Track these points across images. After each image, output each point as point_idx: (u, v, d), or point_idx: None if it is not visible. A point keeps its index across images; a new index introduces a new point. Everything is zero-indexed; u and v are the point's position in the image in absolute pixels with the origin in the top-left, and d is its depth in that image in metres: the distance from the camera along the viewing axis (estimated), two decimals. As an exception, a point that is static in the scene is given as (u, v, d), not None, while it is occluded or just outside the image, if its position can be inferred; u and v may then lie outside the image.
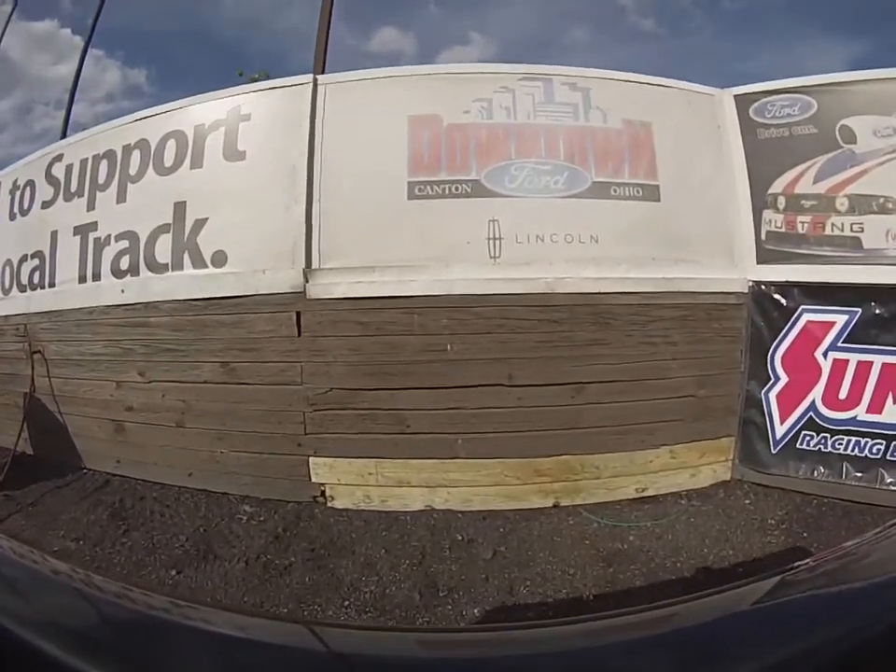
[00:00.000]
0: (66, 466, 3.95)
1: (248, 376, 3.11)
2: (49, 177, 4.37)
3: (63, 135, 5.02)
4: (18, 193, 4.63)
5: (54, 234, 4.24)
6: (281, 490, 3.15)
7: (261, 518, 3.10)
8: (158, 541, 3.03)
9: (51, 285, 4.26)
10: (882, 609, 0.51)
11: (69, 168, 4.24)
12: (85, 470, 3.97)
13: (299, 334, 2.96)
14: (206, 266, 3.20)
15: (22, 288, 4.51)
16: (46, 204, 4.36)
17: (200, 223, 3.25)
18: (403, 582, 2.41)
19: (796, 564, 0.69)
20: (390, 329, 2.92)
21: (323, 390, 2.96)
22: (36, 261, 4.38)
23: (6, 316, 4.56)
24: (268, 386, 3.07)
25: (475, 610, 2.18)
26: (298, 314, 2.95)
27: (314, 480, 3.09)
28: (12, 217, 4.65)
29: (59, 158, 4.37)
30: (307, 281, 2.93)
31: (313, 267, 2.94)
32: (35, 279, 4.40)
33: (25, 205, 4.55)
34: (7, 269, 4.65)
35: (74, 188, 4.18)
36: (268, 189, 3.09)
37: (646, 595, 2.29)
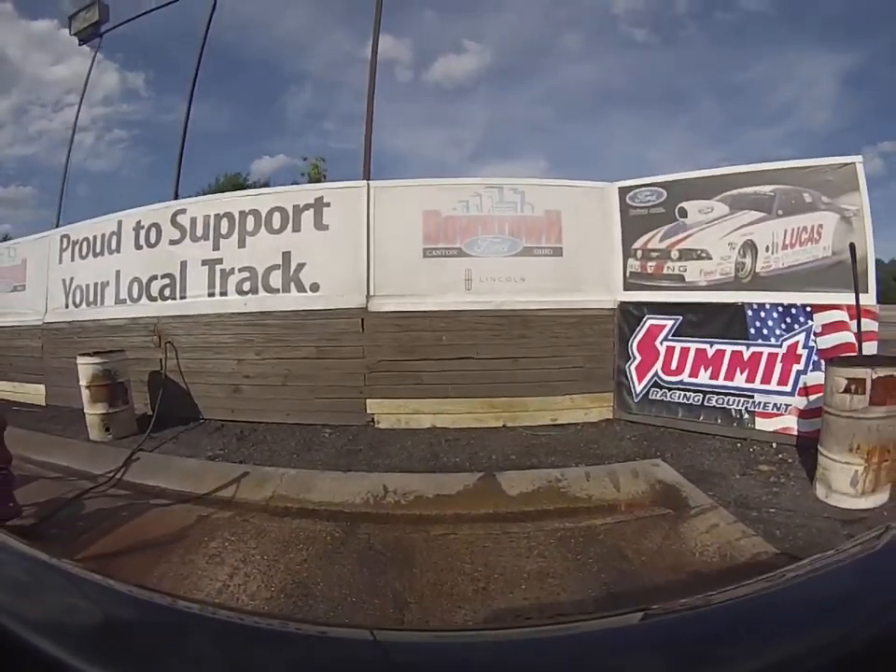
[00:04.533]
0: (189, 418, 6.12)
1: (331, 355, 5.48)
2: (175, 223, 6.62)
3: (176, 197, 7.32)
4: (143, 232, 6.90)
5: (184, 263, 6.50)
6: (348, 419, 5.50)
7: (337, 434, 5.42)
8: (275, 448, 5.26)
9: (182, 297, 6.51)
10: (876, 611, 0.53)
11: (194, 220, 6.50)
12: (203, 420, 6.19)
13: (362, 331, 5.36)
14: (306, 291, 5.57)
15: (153, 298, 6.75)
16: (173, 242, 6.61)
17: (300, 265, 5.61)
18: (420, 455, 4.76)
19: (793, 566, 0.71)
20: (412, 327, 5.32)
21: (375, 361, 5.36)
22: (167, 280, 6.64)
23: (134, 318, 6.76)
24: (343, 360, 5.44)
25: (456, 460, 4.53)
26: (362, 319, 5.36)
27: (368, 412, 5.46)
28: (138, 247, 6.90)
29: (182, 211, 6.64)
30: (367, 301, 5.33)
31: (370, 294, 5.35)
32: (167, 293, 6.66)
33: (152, 241, 6.80)
34: (136, 284, 6.91)
35: (199, 233, 6.44)
36: (343, 248, 5.47)
37: (546, 457, 4.60)
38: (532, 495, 3.76)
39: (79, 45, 10.28)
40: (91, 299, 7.24)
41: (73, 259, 7.52)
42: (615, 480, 3.98)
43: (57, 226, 8.41)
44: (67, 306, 7.49)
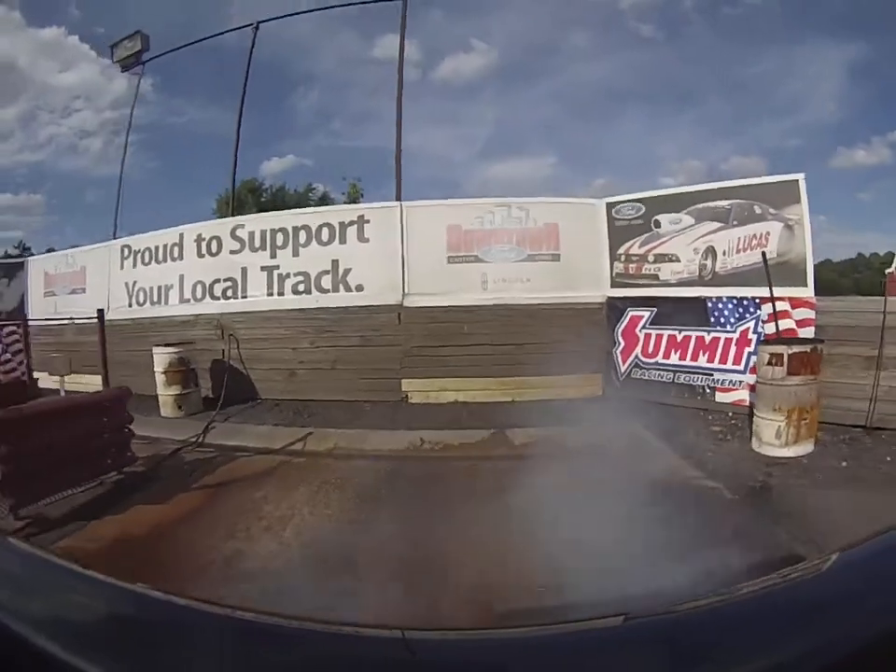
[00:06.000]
0: (248, 398, 7.41)
1: (372, 343, 6.79)
2: (235, 236, 7.94)
3: (233, 214, 8.62)
4: (204, 243, 8.21)
5: (244, 269, 7.82)
6: (386, 396, 6.79)
7: (377, 408, 6.69)
8: (328, 418, 6.49)
9: (243, 297, 7.83)
10: (879, 612, 0.53)
11: (252, 233, 7.81)
12: (261, 399, 7.50)
13: (399, 322, 6.68)
14: (352, 291, 6.88)
15: (216, 298, 8.07)
16: (234, 252, 7.92)
17: (347, 271, 6.92)
18: (446, 420, 6.02)
19: (795, 567, 0.72)
20: (439, 319, 6.62)
21: (409, 347, 6.68)
22: (229, 283, 7.96)
23: (198, 314, 8.07)
24: (382, 347, 6.75)
25: (475, 422, 5.78)
26: (399, 313, 6.67)
27: (402, 389, 6.76)
28: (201, 256, 8.22)
29: (241, 226, 7.98)
30: (403, 299, 6.63)
31: (405, 293, 6.67)
32: (229, 293, 7.98)
33: (213, 250, 8.12)
34: (199, 286, 8.24)
35: (258, 244, 7.76)
36: (382, 256, 6.77)
37: (544, 421, 5.84)
38: (531, 443, 5.01)
39: (122, 71, 11.66)
40: (156, 299, 8.57)
41: (135, 266, 8.86)
42: (597, 434, 5.21)
43: (114, 237, 9.83)
44: (130, 305, 8.79)
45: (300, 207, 12.11)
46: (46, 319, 9.48)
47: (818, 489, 4.18)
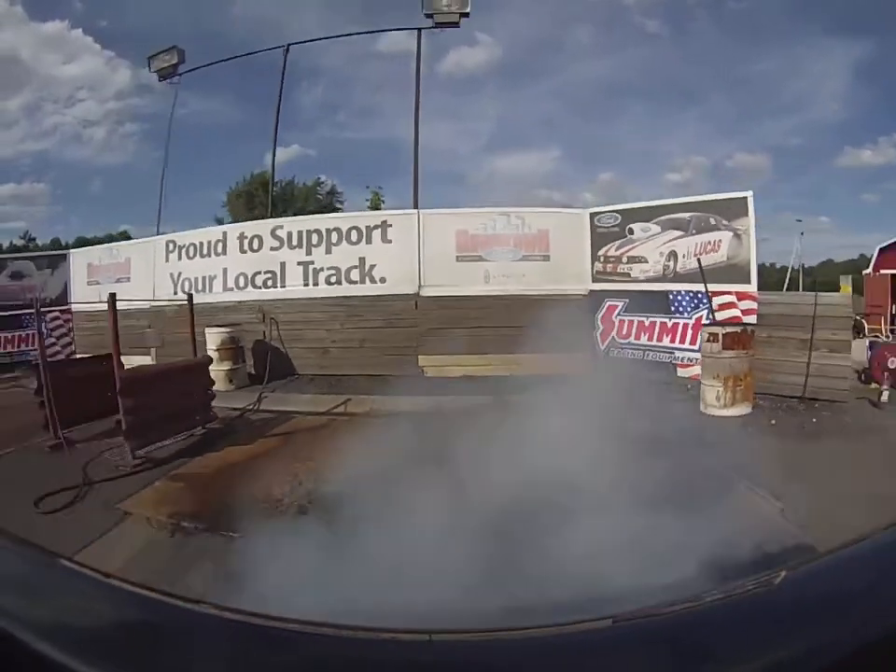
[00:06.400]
0: (286, 374, 8.78)
1: (394, 325, 8.20)
2: (274, 236, 9.30)
3: (272, 216, 9.97)
4: (246, 241, 9.57)
5: (283, 264, 9.18)
6: (405, 370, 8.18)
7: (399, 380, 8.08)
8: (359, 388, 7.96)
9: (282, 286, 9.19)
10: (882, 610, 0.53)
11: (290, 234, 9.17)
12: (298, 375, 8.88)
13: (416, 309, 8.08)
14: (376, 283, 8.27)
15: (257, 287, 9.42)
16: (274, 249, 9.28)
17: (372, 266, 8.31)
18: (457, 389, 7.43)
19: (795, 564, 0.72)
20: (450, 306, 8.03)
21: (424, 329, 8.10)
22: (269, 275, 9.32)
23: (241, 301, 9.43)
24: (402, 329, 8.16)
25: (480, 391, 7.20)
26: (416, 301, 8.07)
27: (419, 365, 8.18)
28: (243, 252, 9.58)
29: (280, 227, 9.34)
30: (419, 290, 8.04)
31: (421, 285, 8.06)
32: (269, 283, 9.34)
33: (255, 247, 9.48)
34: (242, 277, 9.59)
35: (295, 243, 9.11)
36: (401, 254, 8.16)
37: (536, 390, 7.26)
38: (523, 402, 6.43)
39: (158, 81, 12.84)
40: (200, 287, 9.85)
41: (180, 259, 10.19)
42: (573, 399, 6.64)
43: (157, 233, 11.15)
44: (175, 293, 10.04)
45: (308, 200, 13.57)
46: (88, 303, 10.45)
47: (744, 436, 5.61)
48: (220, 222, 24.26)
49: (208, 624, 0.63)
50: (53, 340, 11.46)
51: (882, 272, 15.55)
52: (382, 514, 3.18)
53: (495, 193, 51.51)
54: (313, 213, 17.65)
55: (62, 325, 11.77)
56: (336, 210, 24.85)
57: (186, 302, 6.97)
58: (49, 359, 10.53)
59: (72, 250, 12.93)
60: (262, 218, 13.52)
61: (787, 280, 40.80)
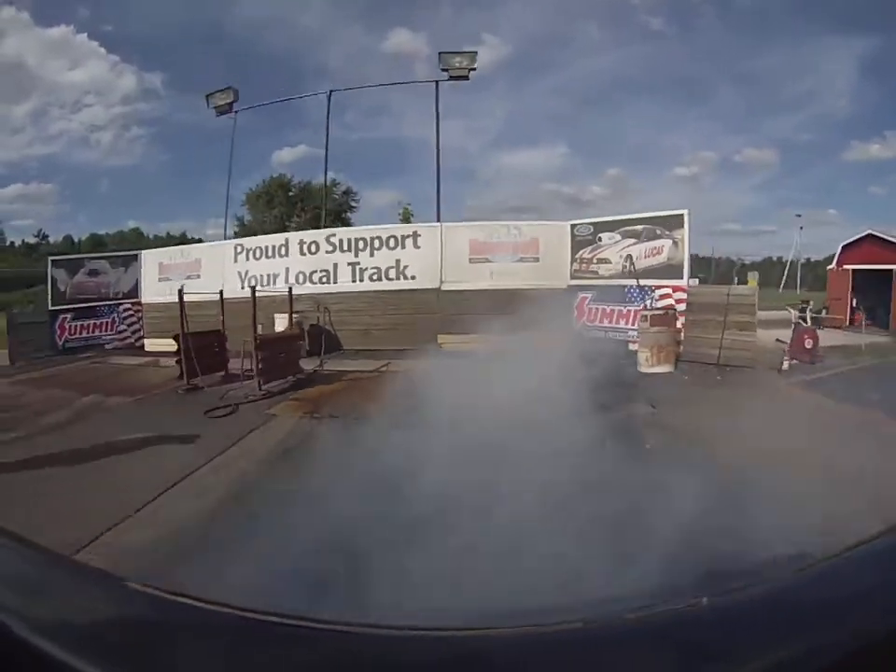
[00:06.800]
0: (334, 351, 11.68)
1: (421, 312, 11.01)
2: (329, 242, 12.18)
3: (324, 226, 12.86)
4: (305, 246, 12.45)
5: (335, 265, 12.05)
6: (427, 346, 10.94)
7: (423, 354, 10.85)
8: (394, 359, 10.78)
9: (334, 283, 12.06)
10: (882, 612, 0.53)
11: (341, 240, 12.06)
12: (345, 350, 11.77)
13: (437, 300, 10.89)
14: (408, 279, 11.13)
15: (314, 283, 12.29)
16: (328, 252, 12.16)
17: (405, 266, 11.15)
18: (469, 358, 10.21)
19: (797, 565, 0.72)
20: (464, 297, 10.82)
21: (445, 315, 10.89)
22: (324, 273, 12.21)
23: (300, 294, 12.27)
24: (426, 315, 10.98)
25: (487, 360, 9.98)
26: (437, 294, 10.90)
27: (438, 342, 10.98)
28: (302, 254, 12.46)
29: (333, 235, 12.24)
30: (440, 285, 10.87)
31: (442, 281, 10.88)
32: (323, 280, 12.22)
33: (312, 251, 12.36)
34: (301, 275, 12.46)
35: (346, 248, 11.99)
36: (427, 257, 10.98)
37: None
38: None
39: (216, 115, 15.45)
40: (265, 284, 12.71)
41: (247, 260, 13.04)
42: (552, 365, 9.38)
43: (225, 238, 14.07)
44: (243, 288, 12.82)
45: (324, 200, 16.49)
46: (157, 296, 13.42)
47: (659, 383, 8.33)
48: (241, 220, 27.75)
49: (209, 621, 0.63)
50: (124, 327, 13.80)
51: (844, 267, 17.57)
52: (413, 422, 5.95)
53: (504, 189, 53.57)
54: (329, 212, 20.13)
55: (132, 315, 13.90)
56: (351, 208, 27.99)
57: (249, 297, 9.73)
58: (127, 341, 13.21)
59: (143, 251, 14.88)
60: (282, 217, 15.89)
61: (784, 275, 42.14)
